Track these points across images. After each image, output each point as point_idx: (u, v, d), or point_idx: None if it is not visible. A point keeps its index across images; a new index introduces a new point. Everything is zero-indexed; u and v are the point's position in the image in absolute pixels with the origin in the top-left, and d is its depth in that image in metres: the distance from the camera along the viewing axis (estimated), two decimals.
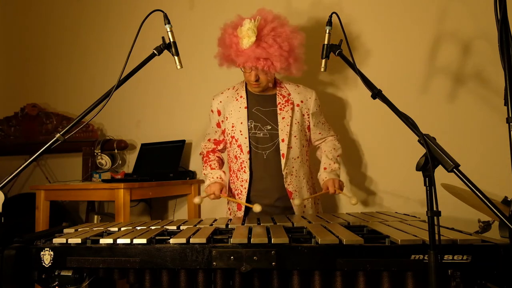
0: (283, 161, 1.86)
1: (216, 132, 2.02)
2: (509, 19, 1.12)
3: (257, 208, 1.75)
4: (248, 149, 1.88)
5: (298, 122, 1.90)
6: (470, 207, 1.39)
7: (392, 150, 2.26)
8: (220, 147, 2.05)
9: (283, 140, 1.86)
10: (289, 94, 1.92)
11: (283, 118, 1.88)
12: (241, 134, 1.89)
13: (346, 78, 2.38)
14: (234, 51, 1.74)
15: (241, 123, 1.89)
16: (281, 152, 1.86)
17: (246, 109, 1.90)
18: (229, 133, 1.93)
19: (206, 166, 1.99)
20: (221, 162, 2.05)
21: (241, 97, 1.93)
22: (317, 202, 2.04)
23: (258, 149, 1.88)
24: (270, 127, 1.88)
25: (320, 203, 2.08)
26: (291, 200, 1.88)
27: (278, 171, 1.87)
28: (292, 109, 1.89)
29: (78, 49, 3.16)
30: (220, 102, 1.97)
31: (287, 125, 1.87)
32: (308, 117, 1.94)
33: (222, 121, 1.98)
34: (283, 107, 1.89)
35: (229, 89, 2.00)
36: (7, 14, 3.49)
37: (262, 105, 1.91)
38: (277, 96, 1.92)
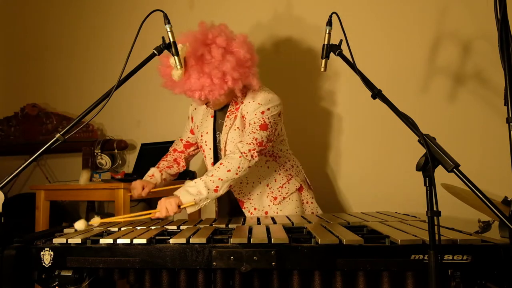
0: None
1: (189, 137, 1.99)
2: (509, 19, 1.12)
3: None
4: (212, 160, 1.81)
5: (238, 128, 1.73)
6: (470, 207, 1.39)
7: (392, 150, 2.26)
8: (190, 149, 2.00)
9: (221, 150, 1.78)
10: (242, 102, 1.74)
11: (225, 125, 1.76)
12: (206, 145, 1.83)
13: (345, 78, 2.37)
14: (169, 82, 1.66)
15: (207, 133, 1.83)
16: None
17: (213, 118, 1.83)
18: (199, 142, 1.89)
19: (158, 163, 1.95)
20: (174, 164, 1.96)
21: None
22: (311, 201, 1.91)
23: None
24: None
25: (314, 201, 1.94)
26: (248, 212, 1.80)
27: None
28: (236, 116, 1.74)
29: (78, 49, 3.16)
30: (195, 109, 1.94)
31: (225, 133, 1.75)
32: (244, 120, 1.73)
33: (195, 128, 1.94)
34: (230, 115, 1.76)
35: None
36: (7, 14, 3.49)
37: (221, 117, 1.82)
38: (230, 104, 1.78)
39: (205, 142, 1.84)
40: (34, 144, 2.99)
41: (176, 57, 1.47)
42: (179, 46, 1.52)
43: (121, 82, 1.42)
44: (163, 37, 1.47)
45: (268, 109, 1.70)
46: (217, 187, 1.57)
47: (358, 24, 2.33)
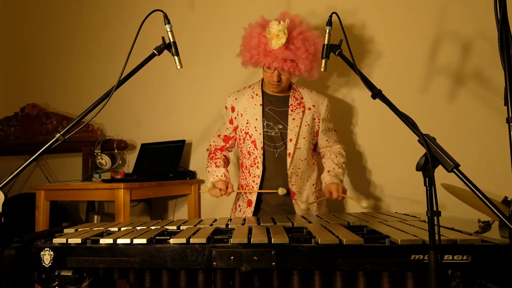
0: (288, 160, 1.88)
1: (227, 128, 2.04)
2: (509, 19, 1.12)
3: (282, 191, 1.84)
4: (262, 145, 1.90)
5: (308, 125, 1.92)
6: (470, 207, 1.39)
7: (392, 150, 2.26)
8: (229, 144, 2.06)
9: (291, 140, 1.89)
10: (301, 98, 1.95)
11: (293, 119, 1.91)
12: (256, 130, 1.91)
13: (345, 79, 2.38)
14: (262, 51, 1.78)
15: (256, 119, 1.92)
16: (288, 151, 1.89)
17: (262, 107, 1.93)
18: (243, 129, 1.95)
19: (211, 163, 2.00)
20: (226, 161, 2.06)
21: (256, 95, 1.96)
22: (326, 207, 2.04)
23: (270, 147, 1.91)
24: (281, 127, 1.91)
25: (327, 208, 2.07)
26: (296, 204, 1.90)
27: (285, 170, 1.90)
28: (303, 112, 1.92)
29: (78, 49, 3.16)
30: (235, 99, 2.00)
31: (297, 126, 1.90)
32: (319, 122, 1.96)
33: (235, 118, 1.99)
34: (295, 109, 1.92)
35: (245, 88, 2.04)
36: (7, 14, 3.49)
37: (275, 105, 1.94)
38: (290, 98, 1.95)
39: (255, 127, 1.91)
40: (34, 144, 2.99)
41: (176, 57, 1.48)
42: (277, 23, 1.72)
43: (121, 82, 1.42)
44: (163, 37, 1.47)
45: (331, 110, 2.02)
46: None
47: (358, 25, 2.33)
